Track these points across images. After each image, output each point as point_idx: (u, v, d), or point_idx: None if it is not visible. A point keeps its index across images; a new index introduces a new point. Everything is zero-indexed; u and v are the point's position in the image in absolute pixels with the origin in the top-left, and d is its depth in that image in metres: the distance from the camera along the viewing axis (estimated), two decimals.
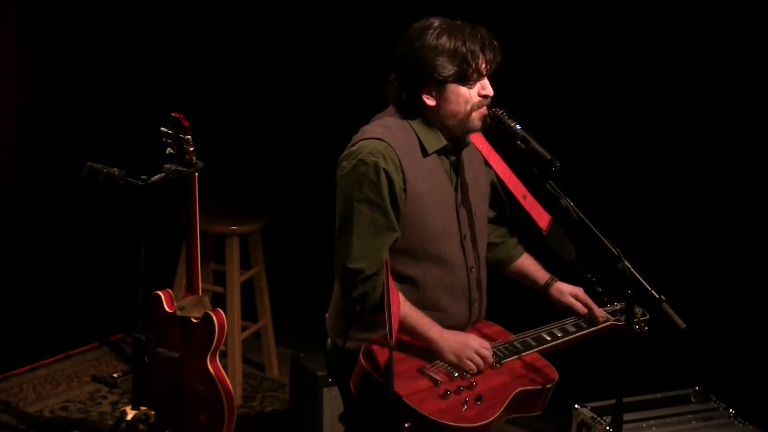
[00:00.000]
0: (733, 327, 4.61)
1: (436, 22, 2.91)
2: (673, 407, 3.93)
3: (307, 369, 4.20)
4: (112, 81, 5.56)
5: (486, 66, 2.91)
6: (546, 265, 3.26)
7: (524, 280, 3.28)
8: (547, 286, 3.22)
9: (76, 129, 5.48)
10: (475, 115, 2.94)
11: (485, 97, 2.93)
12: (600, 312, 3.18)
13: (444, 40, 2.87)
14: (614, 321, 3.19)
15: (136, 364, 3.74)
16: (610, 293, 3.15)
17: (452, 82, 2.89)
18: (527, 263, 3.27)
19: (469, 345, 2.93)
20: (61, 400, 4.70)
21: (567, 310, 3.20)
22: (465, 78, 2.89)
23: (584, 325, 3.17)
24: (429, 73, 2.88)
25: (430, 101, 2.92)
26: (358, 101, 3.70)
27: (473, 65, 2.87)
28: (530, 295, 3.28)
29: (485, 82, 2.93)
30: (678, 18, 4.56)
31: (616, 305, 3.24)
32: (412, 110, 2.96)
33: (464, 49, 2.86)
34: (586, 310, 3.18)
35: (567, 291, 3.20)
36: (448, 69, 2.87)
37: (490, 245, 3.24)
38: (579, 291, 3.20)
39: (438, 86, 2.90)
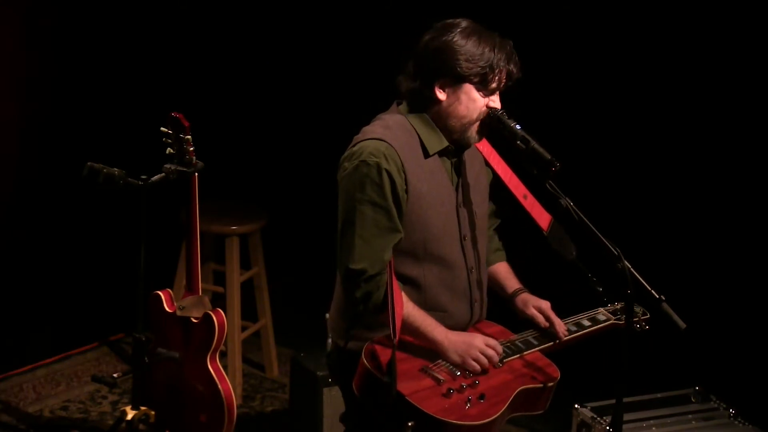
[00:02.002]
0: (733, 327, 4.61)
1: (464, 23, 2.90)
2: (673, 407, 3.93)
3: (307, 369, 4.20)
4: (112, 81, 5.56)
5: (505, 80, 2.91)
6: (547, 264, 3.25)
7: (494, 286, 3.24)
8: (513, 295, 3.19)
9: (76, 129, 5.48)
10: (475, 127, 2.94)
11: (491, 110, 2.93)
12: (562, 328, 3.11)
13: (473, 41, 2.86)
14: (615, 320, 3.19)
15: (136, 364, 3.74)
16: (611, 293, 3.14)
17: (470, 82, 2.88)
18: (500, 270, 3.25)
19: (474, 345, 2.92)
20: (61, 400, 4.70)
21: (529, 322, 3.15)
22: (485, 83, 2.88)
23: (585, 324, 3.17)
24: (451, 66, 2.86)
25: (442, 95, 2.91)
26: (359, 101, 3.70)
27: (495, 73, 2.87)
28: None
29: (496, 96, 2.94)
30: (678, 18, 4.57)
31: (617, 305, 3.23)
32: (419, 102, 2.94)
33: (492, 55, 2.86)
34: (547, 324, 3.13)
35: (531, 303, 3.15)
36: (472, 68, 2.86)
37: None
38: (544, 304, 3.15)
39: (454, 82, 2.89)
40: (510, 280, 3.23)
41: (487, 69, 2.86)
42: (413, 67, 2.94)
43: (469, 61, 2.85)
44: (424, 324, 2.90)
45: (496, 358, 2.94)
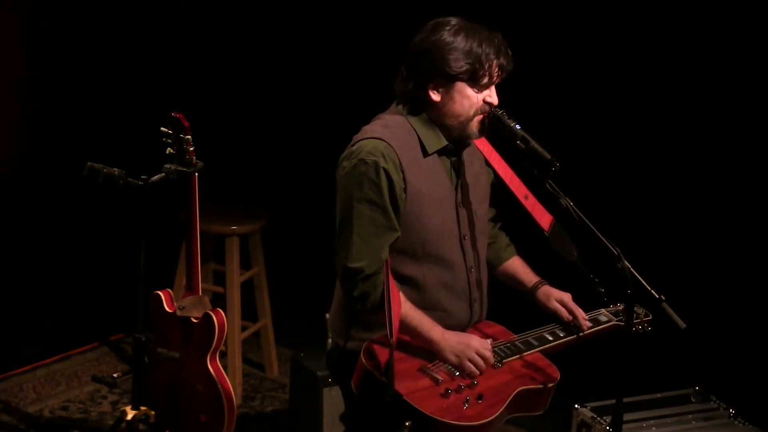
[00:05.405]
0: (733, 327, 4.61)
1: (454, 20, 2.90)
2: (673, 407, 3.93)
3: (307, 369, 4.21)
4: (112, 81, 5.56)
5: (497, 72, 2.90)
6: (548, 265, 3.24)
7: (512, 282, 3.25)
8: (534, 289, 3.19)
9: (76, 129, 5.48)
10: (475, 122, 2.93)
11: (489, 104, 2.93)
12: (585, 322, 3.13)
13: (461, 38, 2.86)
14: (617, 321, 3.18)
15: (136, 364, 3.74)
16: (612, 294, 3.14)
17: (462, 80, 2.88)
18: (516, 265, 3.25)
19: (470, 346, 2.92)
20: (61, 400, 4.70)
21: (553, 316, 3.17)
22: (475, 79, 2.87)
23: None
24: (440, 66, 2.86)
25: (436, 96, 2.91)
26: (359, 101, 3.70)
27: (485, 67, 2.86)
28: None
29: (492, 90, 2.93)
30: (678, 18, 4.57)
31: (619, 306, 3.22)
32: (416, 104, 2.94)
33: (480, 50, 2.85)
34: (570, 317, 3.14)
35: (554, 296, 3.16)
36: (460, 66, 2.85)
37: None
38: (566, 297, 3.16)
39: (446, 82, 2.88)
40: (528, 274, 3.22)
41: (476, 65, 2.85)
42: (405, 71, 2.94)
43: (458, 59, 2.85)
44: (421, 324, 2.90)
45: (492, 360, 2.94)
